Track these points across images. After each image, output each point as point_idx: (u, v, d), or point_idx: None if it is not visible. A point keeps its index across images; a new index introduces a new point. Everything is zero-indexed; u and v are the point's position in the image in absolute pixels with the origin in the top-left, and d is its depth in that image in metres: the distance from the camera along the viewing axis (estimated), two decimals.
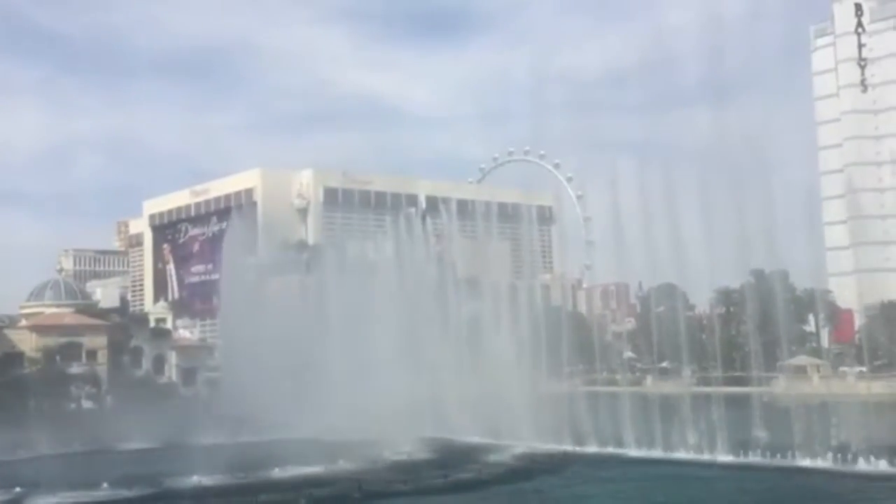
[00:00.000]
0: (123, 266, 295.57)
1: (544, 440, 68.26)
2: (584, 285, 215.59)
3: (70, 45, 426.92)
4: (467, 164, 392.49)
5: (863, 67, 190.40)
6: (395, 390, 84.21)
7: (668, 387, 70.28)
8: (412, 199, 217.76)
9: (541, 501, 49.80)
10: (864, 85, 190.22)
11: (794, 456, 54.60)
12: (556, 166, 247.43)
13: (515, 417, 72.40)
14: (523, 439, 69.80)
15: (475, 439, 72.37)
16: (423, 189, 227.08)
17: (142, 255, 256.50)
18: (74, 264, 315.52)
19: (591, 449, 64.16)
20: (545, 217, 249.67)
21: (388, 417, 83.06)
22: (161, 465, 66.07)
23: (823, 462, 53.22)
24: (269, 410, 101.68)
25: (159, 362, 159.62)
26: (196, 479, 56.50)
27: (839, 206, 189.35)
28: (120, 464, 68.05)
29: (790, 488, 49.01)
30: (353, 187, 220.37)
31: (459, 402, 77.61)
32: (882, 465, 51.22)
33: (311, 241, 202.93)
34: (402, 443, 73.69)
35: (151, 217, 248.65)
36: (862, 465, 51.63)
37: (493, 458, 62.97)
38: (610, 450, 62.78)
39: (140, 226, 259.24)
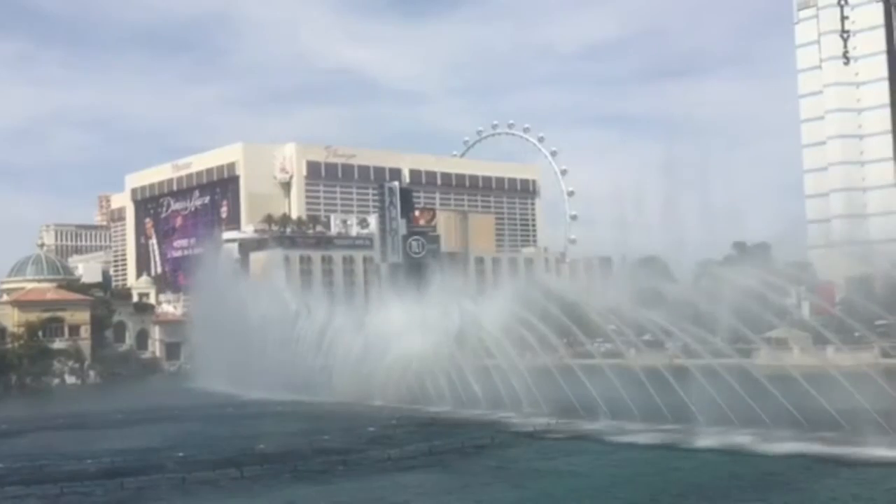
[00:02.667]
0: (105, 241, 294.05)
1: (528, 413, 68.73)
2: (568, 259, 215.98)
3: (50, 18, 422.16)
4: (451, 138, 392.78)
5: (845, 40, 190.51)
6: (378, 364, 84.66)
7: (650, 359, 70.60)
8: (395, 173, 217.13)
9: (519, 473, 50.18)
10: (846, 57, 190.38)
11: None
12: (541, 140, 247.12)
13: (498, 390, 72.83)
14: (507, 412, 70.33)
15: (459, 411, 72.79)
16: (406, 163, 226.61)
17: (124, 230, 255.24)
18: (56, 239, 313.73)
19: (575, 422, 64.61)
20: (529, 191, 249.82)
21: (370, 391, 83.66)
22: (145, 439, 66.23)
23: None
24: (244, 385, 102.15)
25: (142, 337, 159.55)
26: (181, 455, 56.61)
27: (820, 179, 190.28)
28: (103, 438, 68.08)
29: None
30: (336, 161, 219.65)
31: (444, 375, 77.87)
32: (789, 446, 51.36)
33: (294, 215, 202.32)
34: (386, 416, 74.18)
35: (133, 191, 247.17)
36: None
37: (475, 430, 63.28)
38: (588, 423, 63.25)
39: (122, 200, 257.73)
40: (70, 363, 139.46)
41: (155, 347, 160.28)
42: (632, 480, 46.88)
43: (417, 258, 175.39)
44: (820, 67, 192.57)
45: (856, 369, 57.53)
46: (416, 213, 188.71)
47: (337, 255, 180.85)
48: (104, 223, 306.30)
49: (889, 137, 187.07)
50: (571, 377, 69.91)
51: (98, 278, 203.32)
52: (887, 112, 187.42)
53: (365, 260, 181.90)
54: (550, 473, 49.83)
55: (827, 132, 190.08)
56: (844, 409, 53.86)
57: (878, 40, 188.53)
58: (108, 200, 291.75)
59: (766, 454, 50.78)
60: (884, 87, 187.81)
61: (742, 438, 54.22)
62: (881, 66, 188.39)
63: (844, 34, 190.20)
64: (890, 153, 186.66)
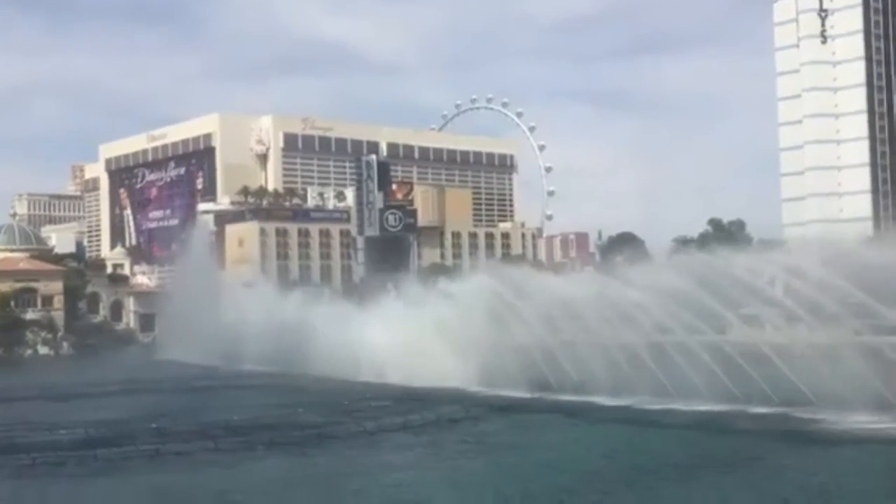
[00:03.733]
0: (79, 211, 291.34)
1: (503, 387, 69.13)
2: (545, 234, 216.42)
3: None
4: (429, 112, 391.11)
5: (823, 18, 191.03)
6: (353, 339, 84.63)
7: (625, 335, 70.87)
8: (373, 146, 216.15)
9: (493, 446, 50.57)
10: (823, 36, 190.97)
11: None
12: (519, 115, 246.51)
13: (476, 365, 73.12)
14: (483, 386, 70.68)
15: (436, 386, 73.04)
16: (384, 136, 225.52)
17: (98, 200, 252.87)
18: (29, 209, 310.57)
19: (549, 396, 65.05)
20: (507, 165, 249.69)
21: (348, 365, 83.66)
22: (119, 410, 65.98)
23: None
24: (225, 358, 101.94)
25: (117, 308, 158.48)
26: (154, 426, 56.50)
27: (796, 157, 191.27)
28: (77, 409, 67.79)
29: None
30: (314, 133, 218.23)
31: (420, 351, 77.99)
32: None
33: (270, 187, 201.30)
34: (362, 390, 74.28)
35: (108, 161, 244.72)
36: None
37: (450, 404, 63.53)
38: (562, 398, 63.76)
39: (96, 170, 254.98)
40: (43, 334, 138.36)
41: (129, 319, 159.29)
42: (603, 456, 47.29)
43: (394, 232, 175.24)
44: (797, 46, 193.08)
45: (828, 347, 58.18)
46: (394, 186, 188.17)
47: (313, 228, 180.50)
48: (78, 193, 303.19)
49: (864, 116, 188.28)
50: (547, 353, 70.24)
51: (72, 249, 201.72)
52: (863, 91, 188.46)
53: (341, 233, 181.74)
54: (523, 447, 50.19)
55: (803, 110, 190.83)
56: (815, 386, 54.53)
57: (856, 19, 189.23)
58: (81, 170, 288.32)
59: (738, 430, 51.37)
60: (860, 67, 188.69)
61: (714, 414, 54.86)
62: (858, 45, 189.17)
63: (822, 12, 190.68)
64: (865, 132, 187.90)
